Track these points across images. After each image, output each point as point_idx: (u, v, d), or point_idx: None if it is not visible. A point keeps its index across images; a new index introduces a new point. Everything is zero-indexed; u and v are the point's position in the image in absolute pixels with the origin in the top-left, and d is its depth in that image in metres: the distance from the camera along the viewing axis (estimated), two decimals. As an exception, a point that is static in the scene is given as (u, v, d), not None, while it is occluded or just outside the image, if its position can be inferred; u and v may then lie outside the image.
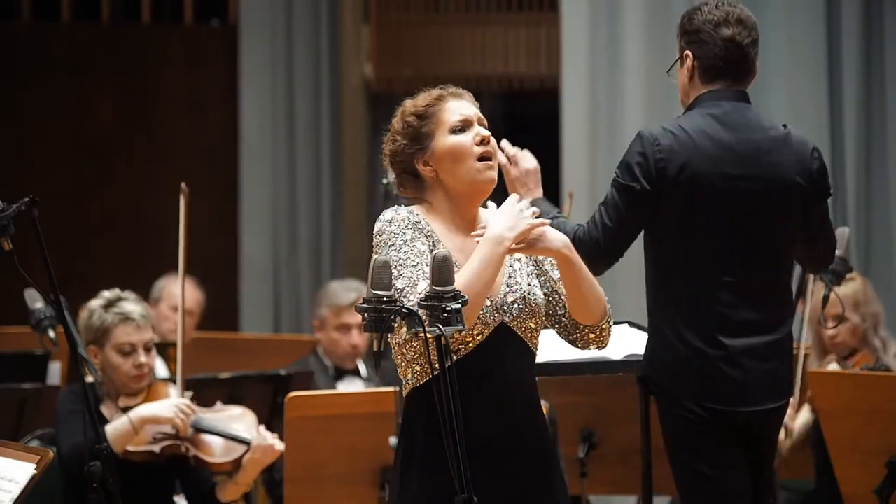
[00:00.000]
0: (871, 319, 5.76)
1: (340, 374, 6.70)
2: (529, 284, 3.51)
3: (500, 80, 9.52)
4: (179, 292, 5.12)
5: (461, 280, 3.32)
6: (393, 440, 4.82)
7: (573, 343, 3.58)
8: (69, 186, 9.32)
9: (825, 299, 5.05)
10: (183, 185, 5.17)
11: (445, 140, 3.50)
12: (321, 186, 9.19)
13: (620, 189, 4.14)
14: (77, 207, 9.32)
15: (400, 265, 3.38)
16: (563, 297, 3.54)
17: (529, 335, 3.50)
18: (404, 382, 3.47)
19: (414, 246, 3.41)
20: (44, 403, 5.43)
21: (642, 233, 4.18)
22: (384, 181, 5.09)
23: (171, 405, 4.94)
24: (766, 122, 4.24)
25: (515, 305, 3.47)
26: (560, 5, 7.71)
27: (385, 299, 3.19)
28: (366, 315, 3.20)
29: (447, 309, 3.18)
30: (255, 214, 9.17)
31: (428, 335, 3.18)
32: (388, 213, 3.47)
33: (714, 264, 4.12)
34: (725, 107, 4.18)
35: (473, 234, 3.47)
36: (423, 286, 3.31)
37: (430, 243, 3.44)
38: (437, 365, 3.20)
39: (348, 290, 6.76)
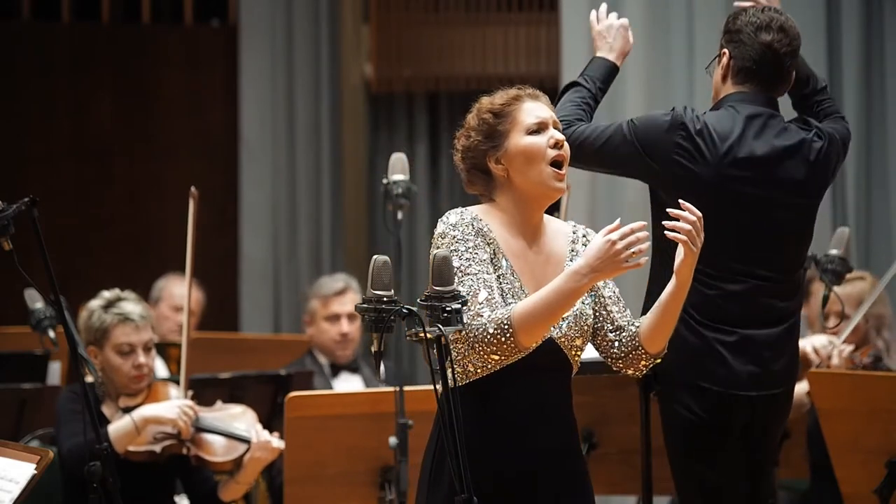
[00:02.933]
0: (874, 320, 5.73)
1: (336, 370, 6.70)
2: (583, 303, 3.49)
3: (499, 80, 9.42)
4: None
5: (528, 303, 3.34)
6: (393, 440, 4.82)
7: (613, 360, 3.56)
8: (69, 186, 9.31)
9: (825, 299, 5.05)
10: (193, 188, 5.16)
11: (520, 140, 3.51)
12: (321, 186, 9.18)
13: (621, 138, 4.20)
14: (77, 207, 9.31)
15: (461, 273, 3.39)
16: (610, 315, 3.54)
17: (574, 352, 3.51)
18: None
19: (476, 254, 3.42)
20: (44, 403, 5.43)
21: (651, 220, 4.17)
22: (384, 181, 5.08)
23: (174, 406, 4.94)
24: (789, 129, 4.26)
25: (565, 322, 3.47)
26: (560, 5, 7.70)
27: (385, 299, 3.19)
28: (366, 315, 3.20)
29: (447, 309, 3.18)
30: (255, 214, 9.16)
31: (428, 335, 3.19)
32: (452, 217, 3.47)
33: (719, 256, 4.13)
34: (749, 109, 4.21)
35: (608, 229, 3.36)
36: (484, 295, 3.35)
37: (491, 251, 3.45)
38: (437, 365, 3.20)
39: (336, 281, 6.83)
